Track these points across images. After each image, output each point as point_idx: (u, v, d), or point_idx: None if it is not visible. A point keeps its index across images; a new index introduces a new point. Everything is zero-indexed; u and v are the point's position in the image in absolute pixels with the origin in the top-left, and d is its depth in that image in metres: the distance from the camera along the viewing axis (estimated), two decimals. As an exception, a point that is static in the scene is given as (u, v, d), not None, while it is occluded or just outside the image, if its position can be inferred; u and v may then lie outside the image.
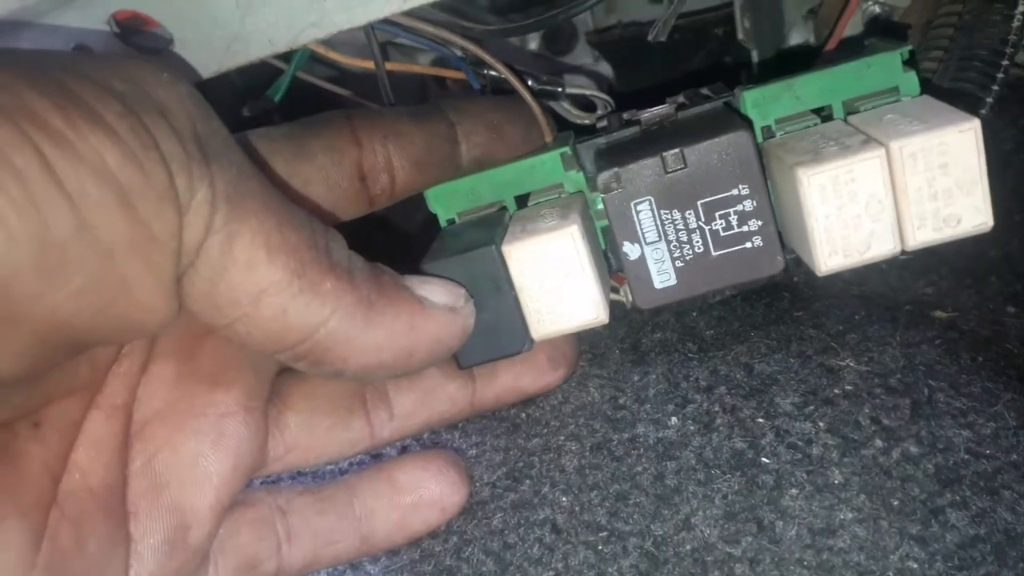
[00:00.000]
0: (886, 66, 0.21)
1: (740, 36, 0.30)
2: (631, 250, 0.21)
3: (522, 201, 0.23)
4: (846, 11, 0.29)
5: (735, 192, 0.20)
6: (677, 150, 0.20)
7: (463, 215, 0.23)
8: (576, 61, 0.34)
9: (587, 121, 0.29)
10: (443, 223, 0.23)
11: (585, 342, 0.27)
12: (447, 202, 0.23)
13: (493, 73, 0.27)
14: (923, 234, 0.19)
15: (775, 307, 0.27)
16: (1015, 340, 0.27)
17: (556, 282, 0.20)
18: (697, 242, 0.21)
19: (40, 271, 0.13)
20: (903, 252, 0.19)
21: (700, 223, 0.20)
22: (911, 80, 0.21)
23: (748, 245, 0.21)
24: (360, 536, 0.22)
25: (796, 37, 0.32)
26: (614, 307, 0.27)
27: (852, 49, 0.26)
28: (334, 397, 0.22)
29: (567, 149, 0.22)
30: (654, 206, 0.20)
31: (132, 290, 0.15)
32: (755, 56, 0.30)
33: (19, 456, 0.16)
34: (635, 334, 0.26)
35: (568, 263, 0.20)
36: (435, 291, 0.19)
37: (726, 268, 0.21)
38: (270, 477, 0.26)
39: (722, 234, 0.21)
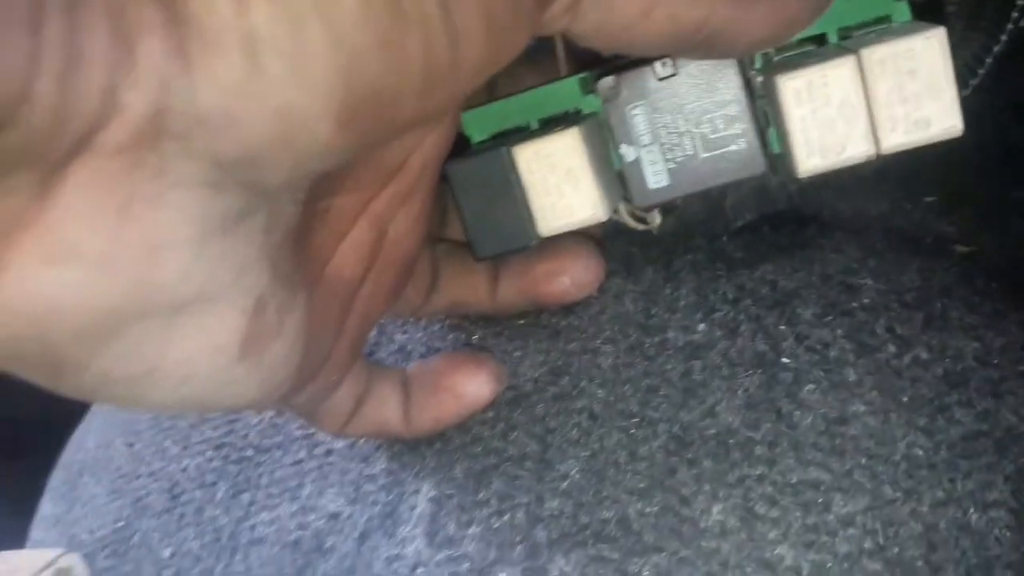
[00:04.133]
0: None
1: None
2: (628, 152, 0.23)
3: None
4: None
5: (720, 98, 0.22)
6: (668, 58, 0.22)
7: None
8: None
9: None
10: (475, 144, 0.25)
11: (619, 262, 0.29)
12: (479, 125, 0.25)
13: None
14: (895, 137, 0.21)
15: (800, 234, 0.29)
16: (1034, 272, 0.29)
17: (559, 180, 0.22)
18: (687, 144, 0.23)
19: (419, 94, 0.15)
20: (878, 155, 0.21)
21: (689, 127, 0.23)
22: (902, 8, 0.22)
23: (733, 147, 0.23)
24: (400, 418, 0.25)
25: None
26: (644, 234, 0.29)
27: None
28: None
29: (586, 75, 0.24)
30: (648, 111, 0.23)
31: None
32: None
33: (310, 235, 0.19)
34: (667, 255, 0.29)
35: (570, 163, 0.22)
36: None
37: (714, 169, 0.23)
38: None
39: (709, 137, 0.23)
